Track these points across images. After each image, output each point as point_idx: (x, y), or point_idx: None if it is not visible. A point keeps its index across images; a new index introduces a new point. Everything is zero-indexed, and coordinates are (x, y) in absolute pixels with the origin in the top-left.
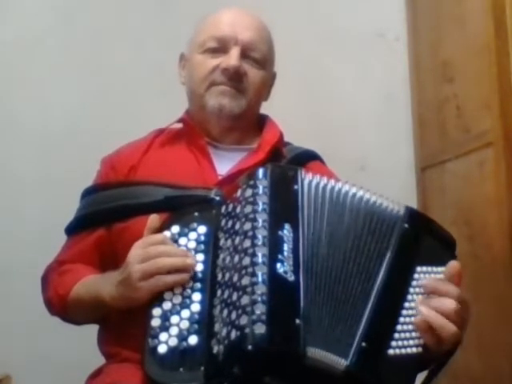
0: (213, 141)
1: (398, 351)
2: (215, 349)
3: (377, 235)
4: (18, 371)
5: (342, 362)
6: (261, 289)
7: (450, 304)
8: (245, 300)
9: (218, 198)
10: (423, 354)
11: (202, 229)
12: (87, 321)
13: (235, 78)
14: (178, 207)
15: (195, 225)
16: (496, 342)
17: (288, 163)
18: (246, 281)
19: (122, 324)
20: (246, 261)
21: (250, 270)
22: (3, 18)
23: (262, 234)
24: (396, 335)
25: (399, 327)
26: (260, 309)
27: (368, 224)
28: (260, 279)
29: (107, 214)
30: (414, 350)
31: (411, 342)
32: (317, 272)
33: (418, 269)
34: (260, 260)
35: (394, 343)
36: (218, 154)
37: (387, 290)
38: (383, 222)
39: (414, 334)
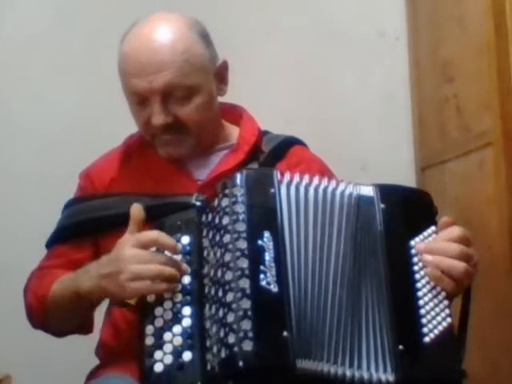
0: None
1: (432, 334)
2: (209, 365)
3: (365, 228)
4: (18, 371)
5: (388, 378)
6: (245, 304)
7: (452, 246)
8: (231, 317)
9: (198, 204)
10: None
11: (186, 239)
12: (67, 325)
13: (168, 128)
14: (160, 216)
15: (179, 235)
16: (496, 341)
17: (268, 157)
18: (230, 297)
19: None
20: (229, 275)
21: (233, 285)
22: (3, 18)
23: (241, 246)
24: (423, 320)
25: (423, 311)
26: (246, 325)
27: (354, 219)
28: (243, 294)
29: (86, 225)
30: (446, 322)
31: (440, 318)
32: (304, 278)
33: (412, 243)
34: (242, 274)
35: (425, 329)
36: (195, 157)
37: (396, 282)
38: (362, 210)
39: (438, 309)
